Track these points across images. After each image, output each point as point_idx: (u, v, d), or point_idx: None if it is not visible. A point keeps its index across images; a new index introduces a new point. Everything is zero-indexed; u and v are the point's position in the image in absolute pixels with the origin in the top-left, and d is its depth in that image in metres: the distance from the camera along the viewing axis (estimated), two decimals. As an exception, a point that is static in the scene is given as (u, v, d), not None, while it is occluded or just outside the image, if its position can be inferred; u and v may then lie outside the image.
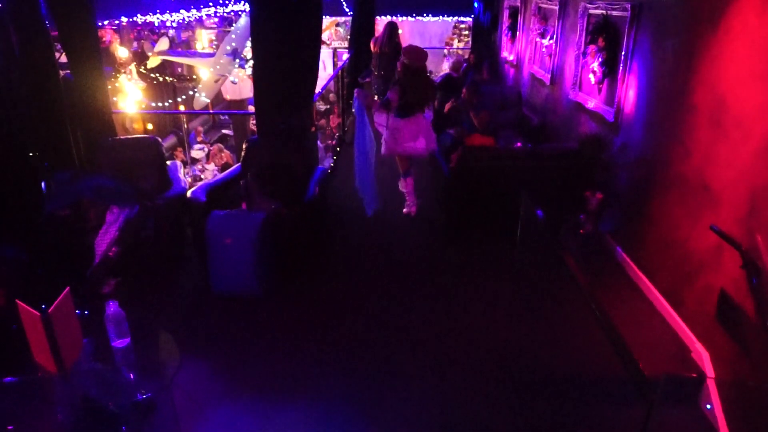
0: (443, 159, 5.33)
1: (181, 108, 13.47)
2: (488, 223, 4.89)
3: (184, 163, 10.53)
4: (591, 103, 5.16)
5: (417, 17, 13.76)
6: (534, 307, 4.00)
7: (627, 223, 4.42)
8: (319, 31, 5.12)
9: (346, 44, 15.51)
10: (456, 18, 14.72)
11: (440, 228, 5.17)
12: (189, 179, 9.93)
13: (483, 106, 6.06)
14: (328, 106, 14.34)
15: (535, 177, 4.73)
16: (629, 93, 4.44)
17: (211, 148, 11.98)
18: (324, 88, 8.30)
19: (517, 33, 8.50)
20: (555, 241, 4.66)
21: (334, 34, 17.03)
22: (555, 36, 6.41)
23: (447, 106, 6.62)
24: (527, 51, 7.86)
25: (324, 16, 8.69)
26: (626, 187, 4.46)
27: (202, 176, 10.72)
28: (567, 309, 3.97)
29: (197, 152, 11.44)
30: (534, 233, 4.79)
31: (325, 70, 14.35)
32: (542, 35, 6.98)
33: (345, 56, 12.33)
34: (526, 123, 6.86)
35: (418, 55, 5.10)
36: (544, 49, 6.89)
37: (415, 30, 17.48)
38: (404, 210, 5.56)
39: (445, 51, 16.02)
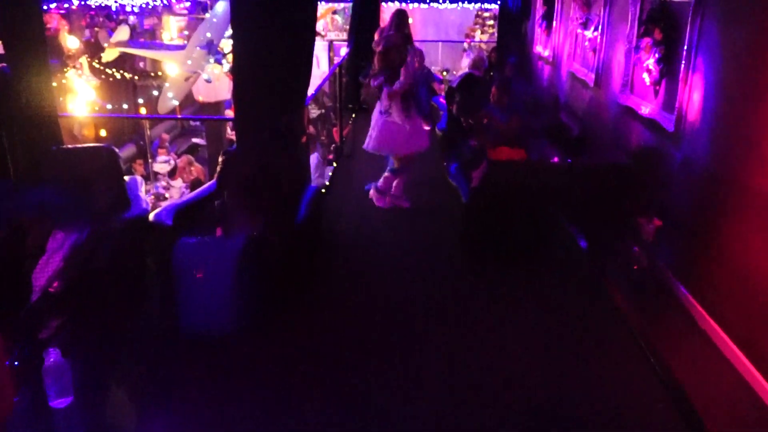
0: (462, 176, 5.32)
1: (143, 111, 13.56)
2: (517, 253, 4.88)
3: (146, 179, 10.56)
4: (645, 109, 5.17)
5: (431, 4, 13.93)
6: (574, 355, 3.94)
7: (691, 256, 4.37)
8: (314, 19, 5.16)
9: (344, 36, 15.73)
10: (478, 5, 14.90)
11: (457, 258, 5.16)
12: (151, 198, 9.96)
13: (512, 110, 6.08)
14: (322, 111, 14.43)
15: (576, 198, 4.71)
16: (693, 96, 4.44)
17: (178, 160, 12.02)
18: (318, 89, 8.36)
19: (554, 23, 8.58)
20: (601, 276, 4.61)
21: (330, 23, 17.25)
22: (600, 26, 6.46)
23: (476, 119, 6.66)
24: (566, 45, 7.92)
25: (319, 2, 8.79)
26: (690, 211, 4.43)
27: (167, 195, 10.75)
28: (615, 357, 3.91)
29: (161, 165, 11.48)
30: (575, 267, 4.75)
31: (319, 67, 14.47)
32: (584, 25, 7.04)
33: (343, 51, 12.43)
34: (564, 132, 6.87)
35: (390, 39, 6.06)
36: (586, 43, 6.94)
37: (429, 19, 17.68)
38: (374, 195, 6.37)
39: (465, 45, 16.17)
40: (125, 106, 13.11)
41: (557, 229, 4.70)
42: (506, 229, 4.84)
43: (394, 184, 6.31)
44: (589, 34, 6.85)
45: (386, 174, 6.32)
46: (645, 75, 5.12)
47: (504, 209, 4.79)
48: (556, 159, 5.88)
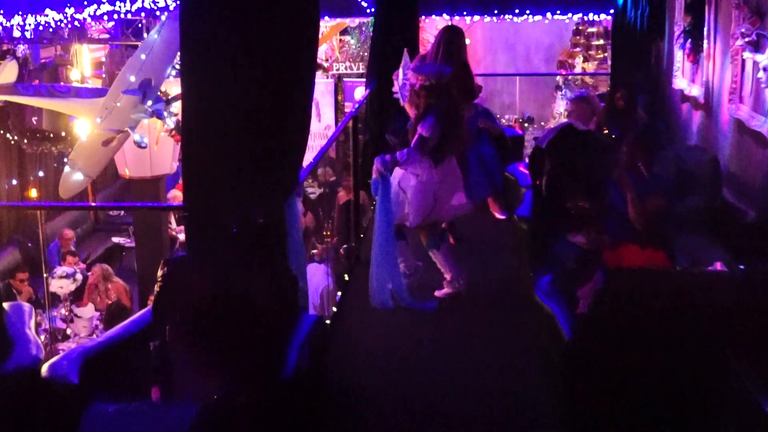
0: (560, 295, 5.31)
1: (34, 194, 13.83)
2: (658, 421, 4.80)
3: (35, 305, 10.66)
4: None
5: (502, 15, 14.26)
6: None
7: None
8: (313, 45, 5.32)
9: (361, 69, 16.09)
10: (579, 15, 15.21)
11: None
12: (45, 338, 10.00)
13: (652, 185, 6.11)
14: (325, 190, 14.65)
15: (757, 330, 4.65)
16: None
17: (88, 273, 12.16)
18: (319, 156, 8.51)
19: (704, 42, 8.71)
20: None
21: (337, 49, 17.73)
22: (783, 47, 6.54)
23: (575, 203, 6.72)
24: (725, 76, 8.01)
25: (322, 18, 9.05)
26: None
27: (69, 331, 10.79)
28: None
29: (61, 282, 11.60)
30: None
31: (320, 120, 14.79)
32: (755, 46, 7.13)
33: (359, 92, 12.72)
34: (730, 219, 6.84)
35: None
36: (761, 74, 7.02)
37: (499, 38, 18.06)
38: (439, 292, 7.32)
39: (559, 80, 16.43)
40: (6, 187, 13.40)
41: (728, 383, 4.61)
42: (639, 386, 4.78)
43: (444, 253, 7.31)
44: (763, 59, 6.94)
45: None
46: None
47: (634, 351, 4.74)
48: (718, 265, 5.84)
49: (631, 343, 4.74)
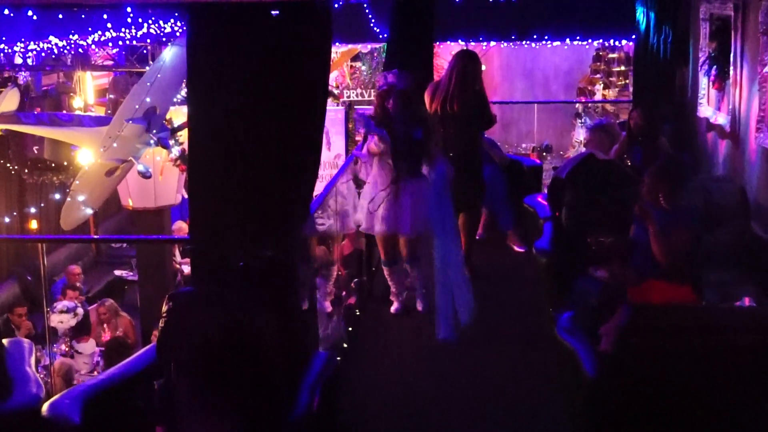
0: (582, 333, 5.29)
1: (34, 226, 13.85)
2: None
3: (36, 341, 10.63)
4: None
5: (520, 41, 14.28)
6: None
7: None
8: (325, 71, 5.34)
9: (372, 96, 16.06)
10: (599, 41, 15.21)
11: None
12: (45, 375, 9.98)
13: (678, 217, 6.09)
14: (337, 221, 14.60)
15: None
16: None
17: (90, 308, 12.14)
18: (329, 186, 8.52)
19: (730, 69, 8.69)
20: None
21: (348, 75, 17.73)
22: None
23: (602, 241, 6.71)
24: (753, 104, 7.99)
25: (333, 44, 9.08)
26: None
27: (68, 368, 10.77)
28: None
29: (62, 317, 11.58)
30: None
31: (330, 149, 14.77)
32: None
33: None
34: (759, 252, 6.81)
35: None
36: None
37: (516, 64, 18.05)
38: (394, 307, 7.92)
39: (579, 107, 16.40)
40: (6, 220, 13.42)
41: (759, 423, 4.57)
42: (665, 427, 4.75)
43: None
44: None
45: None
46: None
47: (660, 390, 4.71)
48: (747, 300, 5.82)
49: (657, 383, 4.71)
